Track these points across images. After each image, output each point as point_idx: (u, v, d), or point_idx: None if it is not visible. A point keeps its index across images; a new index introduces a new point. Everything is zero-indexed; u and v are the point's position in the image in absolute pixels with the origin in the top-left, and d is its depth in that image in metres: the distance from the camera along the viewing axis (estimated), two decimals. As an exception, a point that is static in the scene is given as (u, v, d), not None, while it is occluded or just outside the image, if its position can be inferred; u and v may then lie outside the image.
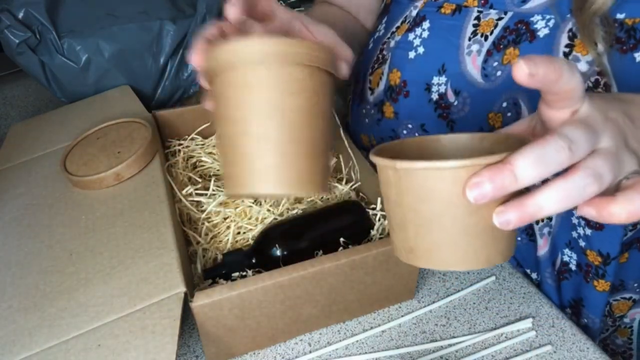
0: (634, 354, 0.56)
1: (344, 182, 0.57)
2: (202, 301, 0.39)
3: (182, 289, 0.38)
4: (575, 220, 0.48)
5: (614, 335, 0.57)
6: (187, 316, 0.46)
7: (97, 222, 0.47)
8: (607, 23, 0.42)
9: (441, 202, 0.28)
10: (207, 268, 0.47)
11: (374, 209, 0.52)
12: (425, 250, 0.30)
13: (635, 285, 0.52)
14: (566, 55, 0.44)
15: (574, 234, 0.49)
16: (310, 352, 0.45)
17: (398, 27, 0.57)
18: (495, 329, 0.47)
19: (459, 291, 0.51)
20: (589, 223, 0.47)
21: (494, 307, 0.49)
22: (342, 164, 0.59)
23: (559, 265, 0.52)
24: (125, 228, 0.45)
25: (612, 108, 0.31)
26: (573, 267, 0.51)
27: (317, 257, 0.44)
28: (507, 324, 0.47)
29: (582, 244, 0.48)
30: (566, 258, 0.51)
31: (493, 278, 0.52)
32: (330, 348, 0.45)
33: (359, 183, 0.56)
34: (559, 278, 0.53)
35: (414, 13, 0.55)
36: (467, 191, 0.27)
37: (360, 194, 0.57)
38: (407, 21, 0.56)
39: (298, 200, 0.55)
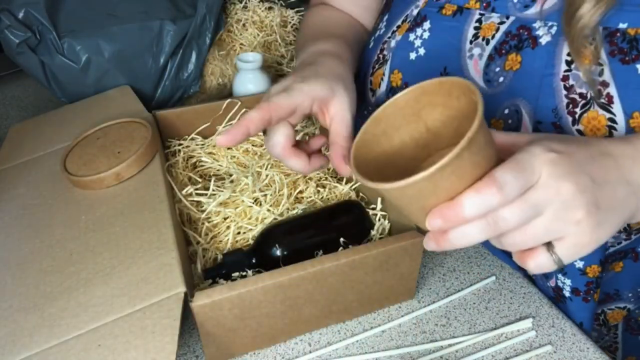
0: (619, 347, 0.56)
1: (344, 182, 0.57)
2: (202, 301, 0.39)
3: (182, 289, 0.38)
4: None
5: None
6: (187, 316, 0.46)
7: (97, 222, 0.47)
8: (597, 40, 0.41)
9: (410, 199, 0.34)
10: (207, 268, 0.47)
11: (374, 209, 0.52)
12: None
13: (630, 295, 0.52)
14: (568, 63, 0.43)
15: None
16: (310, 352, 0.45)
17: (399, 27, 0.56)
18: (495, 329, 0.47)
19: (459, 291, 0.51)
20: None
21: (494, 307, 0.49)
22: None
23: (554, 286, 0.51)
24: (125, 228, 0.45)
25: (576, 172, 0.33)
26: (567, 294, 0.49)
27: (317, 257, 0.44)
28: (507, 324, 0.47)
29: (581, 264, 0.47)
30: (560, 284, 0.50)
31: (493, 278, 0.52)
32: (330, 348, 0.45)
33: (359, 183, 0.56)
34: (556, 297, 0.52)
35: (415, 12, 0.54)
36: (427, 220, 0.32)
37: (360, 194, 0.57)
38: (407, 20, 0.55)
39: (298, 200, 0.55)
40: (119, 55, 0.71)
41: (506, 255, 0.55)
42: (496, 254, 0.55)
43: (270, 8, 0.90)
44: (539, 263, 0.34)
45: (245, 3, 0.88)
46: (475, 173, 0.31)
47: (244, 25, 0.86)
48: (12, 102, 0.88)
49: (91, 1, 0.72)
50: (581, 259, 0.47)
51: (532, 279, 0.55)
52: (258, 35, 0.86)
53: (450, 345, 0.45)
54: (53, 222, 0.48)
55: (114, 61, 0.71)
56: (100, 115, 0.63)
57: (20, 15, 0.67)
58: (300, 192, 0.56)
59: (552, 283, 0.51)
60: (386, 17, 0.59)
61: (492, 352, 0.45)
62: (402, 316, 0.48)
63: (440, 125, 0.38)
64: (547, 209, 0.32)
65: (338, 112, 0.45)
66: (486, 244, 0.57)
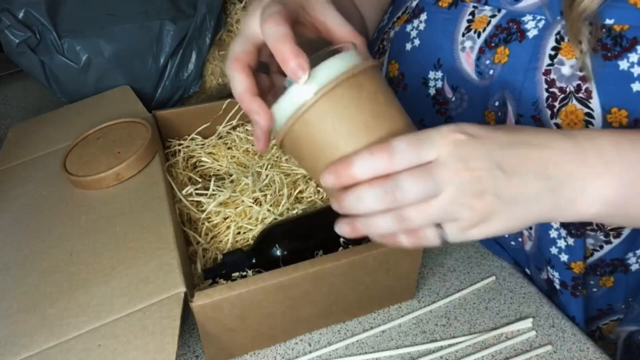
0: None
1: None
2: (202, 301, 0.39)
3: (182, 289, 0.38)
4: (554, 234, 0.47)
5: None
6: (187, 316, 0.46)
7: (97, 222, 0.47)
8: (595, 25, 0.41)
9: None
10: (207, 268, 0.47)
11: (374, 209, 0.52)
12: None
13: (623, 307, 0.52)
14: (552, 57, 0.43)
15: (553, 250, 0.48)
16: (310, 352, 0.45)
17: (399, 17, 0.56)
18: (495, 329, 0.47)
19: (459, 291, 0.51)
20: (570, 232, 0.46)
21: (494, 307, 0.49)
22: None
23: (545, 278, 0.52)
24: (125, 228, 0.45)
25: (482, 157, 0.31)
26: (557, 287, 0.50)
27: (317, 257, 0.44)
28: (507, 324, 0.47)
29: (565, 257, 0.47)
30: (550, 276, 0.50)
31: (493, 278, 0.52)
32: (330, 348, 0.45)
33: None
34: (550, 290, 0.52)
35: (414, 4, 0.54)
36: (321, 176, 0.33)
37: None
38: (407, 12, 0.55)
39: (298, 200, 0.55)
40: (119, 55, 0.71)
41: (507, 254, 0.55)
42: (497, 253, 0.55)
43: (270, 8, 0.90)
44: (426, 237, 0.33)
45: (245, 3, 0.88)
46: (374, 123, 0.33)
47: (244, 25, 0.86)
48: (12, 102, 0.88)
49: (91, 1, 0.72)
50: (565, 253, 0.47)
51: (531, 278, 0.55)
52: (258, 35, 0.86)
53: (450, 345, 0.45)
54: (53, 222, 0.48)
55: (114, 61, 0.71)
56: (100, 115, 0.63)
57: (20, 15, 0.67)
58: (300, 192, 0.56)
59: (544, 275, 0.51)
60: (390, 9, 0.60)
61: (492, 352, 0.45)
62: (402, 316, 0.48)
63: None
64: (445, 189, 0.31)
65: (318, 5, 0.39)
66: (485, 244, 0.57)
